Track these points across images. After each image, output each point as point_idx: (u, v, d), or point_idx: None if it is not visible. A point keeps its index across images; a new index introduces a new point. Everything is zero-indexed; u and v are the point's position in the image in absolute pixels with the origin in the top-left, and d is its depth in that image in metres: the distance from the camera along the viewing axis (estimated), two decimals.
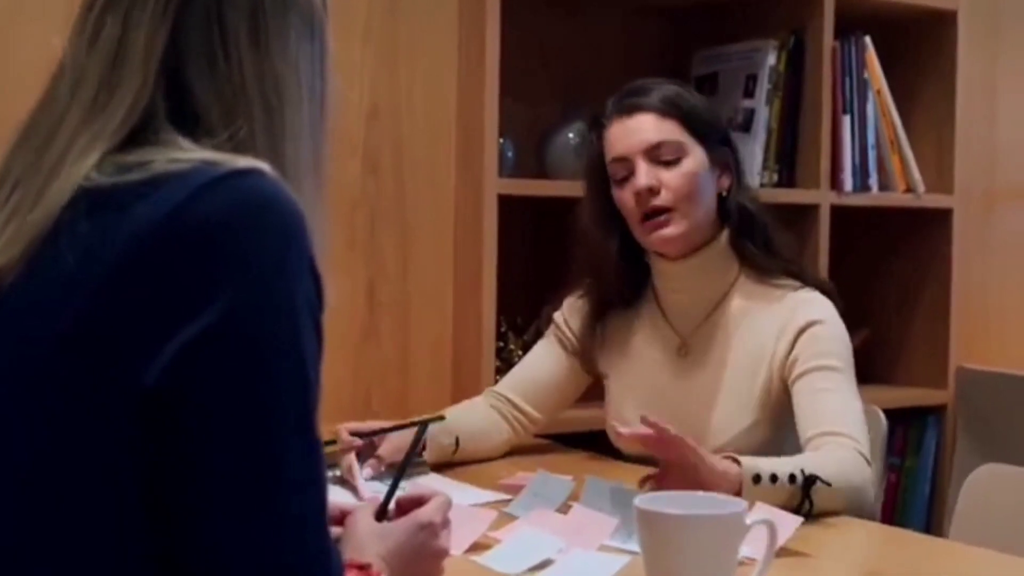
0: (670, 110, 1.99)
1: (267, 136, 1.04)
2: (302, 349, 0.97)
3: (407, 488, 1.39)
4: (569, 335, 2.15)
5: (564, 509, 1.68)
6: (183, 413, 0.93)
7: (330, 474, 1.84)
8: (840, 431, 1.84)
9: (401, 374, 2.59)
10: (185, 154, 1.00)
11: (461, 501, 1.72)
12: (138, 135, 1.01)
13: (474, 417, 2.11)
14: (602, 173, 2.04)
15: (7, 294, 0.98)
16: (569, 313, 2.16)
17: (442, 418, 1.64)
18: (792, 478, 1.70)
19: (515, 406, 2.14)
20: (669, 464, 1.69)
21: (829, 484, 1.71)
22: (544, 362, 2.18)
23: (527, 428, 2.16)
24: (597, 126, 2.05)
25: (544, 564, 1.46)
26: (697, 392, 2.03)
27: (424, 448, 1.96)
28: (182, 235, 0.94)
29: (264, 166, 0.99)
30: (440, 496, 1.28)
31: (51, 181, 0.99)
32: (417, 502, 1.28)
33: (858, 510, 1.78)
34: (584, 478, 1.72)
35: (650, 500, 1.28)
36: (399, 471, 1.37)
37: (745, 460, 1.70)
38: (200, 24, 1.03)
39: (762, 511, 1.43)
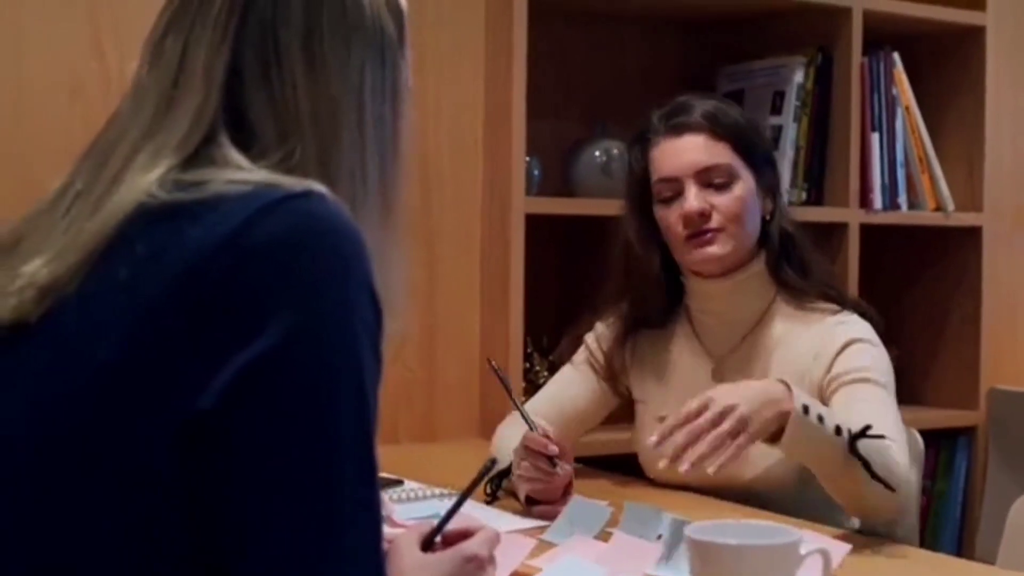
0: (721, 132, 1.95)
1: (320, 160, 1.02)
2: (361, 374, 0.94)
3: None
4: (600, 358, 2.11)
5: (603, 536, 1.64)
6: (236, 435, 0.91)
7: None
8: (883, 434, 1.76)
9: (427, 396, 2.56)
10: (243, 175, 0.98)
11: (495, 527, 1.69)
12: (200, 153, 1.00)
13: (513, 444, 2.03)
14: (645, 189, 2.00)
15: (60, 308, 0.96)
16: (602, 337, 2.12)
17: (494, 462, 1.59)
18: (838, 430, 1.65)
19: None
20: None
21: (881, 436, 1.65)
22: (573, 388, 2.12)
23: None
24: (642, 141, 2.01)
25: None
26: None
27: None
28: (239, 258, 0.93)
29: (323, 189, 0.98)
30: (488, 530, 1.24)
31: (111, 192, 0.98)
32: (463, 535, 1.25)
33: (896, 514, 1.73)
34: (619, 503, 1.68)
35: (702, 530, 1.24)
36: (455, 504, 1.32)
37: (797, 391, 1.66)
38: (256, 43, 1.03)
39: (816, 540, 1.38)
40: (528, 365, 2.60)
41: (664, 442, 1.65)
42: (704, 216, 1.93)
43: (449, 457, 2.36)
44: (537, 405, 2.11)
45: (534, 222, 2.49)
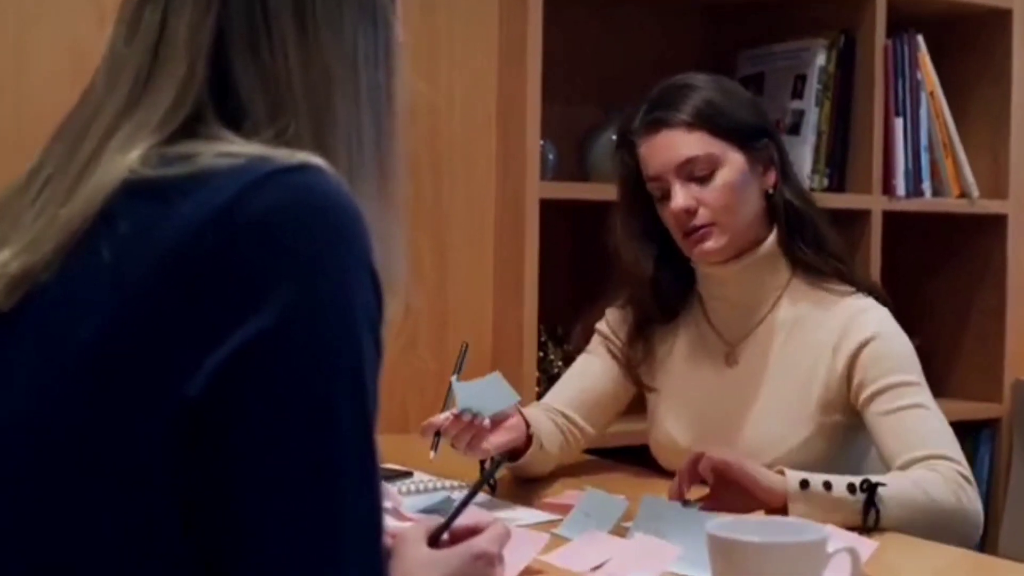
0: (696, 120, 1.87)
1: (316, 132, 0.96)
2: (360, 358, 0.89)
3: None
4: (617, 343, 2.05)
5: (618, 531, 1.58)
6: (229, 426, 0.85)
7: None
8: (934, 452, 1.73)
9: (439, 385, 2.49)
10: (234, 147, 0.92)
11: (507, 521, 1.64)
12: (185, 130, 0.94)
13: (544, 428, 1.96)
14: (639, 187, 1.95)
15: (39, 293, 0.90)
16: (614, 322, 2.07)
17: (503, 459, 1.55)
18: (852, 488, 1.60)
19: (569, 420, 2.03)
20: (719, 485, 1.61)
21: (888, 505, 1.61)
22: (594, 373, 2.07)
23: (580, 444, 2.06)
24: (626, 142, 1.96)
25: None
26: (746, 404, 1.92)
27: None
28: (230, 234, 0.87)
29: (320, 162, 0.92)
30: (497, 525, 1.19)
31: (86, 175, 0.92)
32: (472, 531, 1.19)
33: (954, 536, 1.67)
34: (636, 496, 1.63)
35: (724, 526, 1.18)
36: (465, 500, 1.27)
37: (791, 471, 1.61)
38: (243, 10, 0.96)
39: (840, 536, 1.32)
40: (542, 354, 2.55)
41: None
42: (691, 213, 1.87)
43: None
44: (557, 394, 2.06)
45: (548, 207, 2.44)
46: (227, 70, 0.95)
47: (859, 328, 1.85)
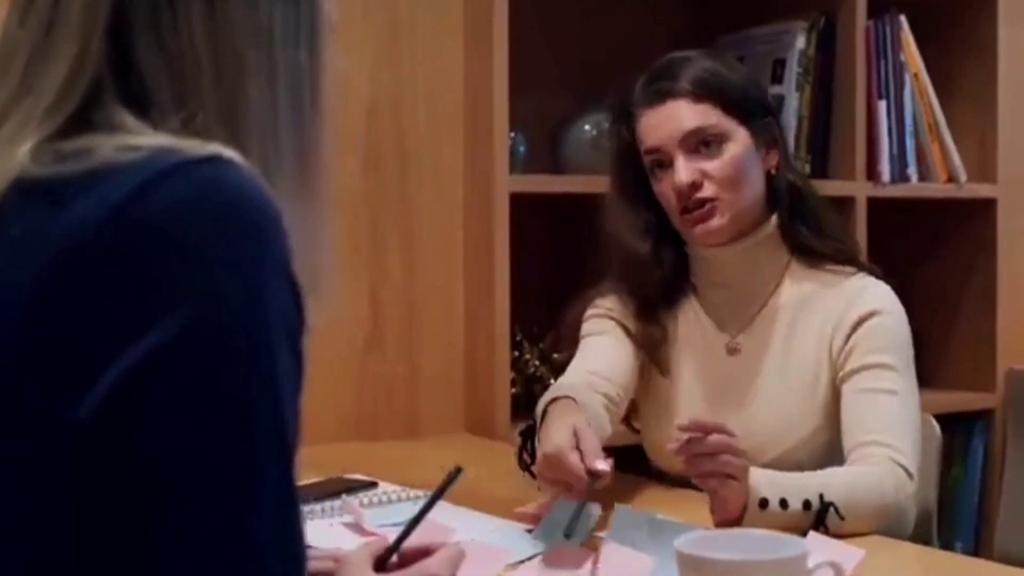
0: (704, 92, 1.81)
1: (225, 121, 0.87)
2: (275, 376, 0.80)
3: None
4: (624, 319, 1.91)
5: (592, 542, 1.49)
6: (126, 457, 0.77)
7: (339, 521, 1.66)
8: (882, 440, 1.69)
9: (409, 389, 2.42)
10: (136, 139, 0.83)
11: (472, 532, 1.55)
12: (83, 117, 0.85)
13: (593, 400, 1.78)
14: (634, 164, 1.87)
15: None
16: (613, 304, 1.92)
17: (459, 470, 1.40)
18: (807, 504, 1.55)
19: (604, 394, 1.83)
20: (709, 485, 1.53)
21: (843, 519, 1.55)
22: (609, 345, 1.90)
23: (616, 418, 1.87)
24: (625, 115, 1.88)
25: None
26: (751, 396, 1.85)
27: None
28: (127, 234, 0.78)
29: (231, 154, 0.82)
30: (450, 547, 1.10)
31: None
32: (423, 552, 1.10)
33: (890, 531, 1.62)
34: (611, 503, 1.54)
35: (694, 542, 1.09)
36: (415, 518, 1.18)
37: (756, 478, 1.53)
38: None
39: (824, 548, 1.23)
40: (517, 354, 2.47)
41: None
42: (696, 187, 1.80)
43: (432, 455, 2.22)
44: (581, 371, 1.86)
45: (521, 202, 2.36)
46: (129, 49, 0.86)
47: (862, 303, 1.81)
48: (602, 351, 1.90)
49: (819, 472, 1.65)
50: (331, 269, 0.92)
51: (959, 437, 2.86)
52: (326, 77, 0.94)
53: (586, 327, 1.95)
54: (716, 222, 1.81)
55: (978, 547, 2.84)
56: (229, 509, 0.78)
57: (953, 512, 2.87)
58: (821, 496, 1.55)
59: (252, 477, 0.78)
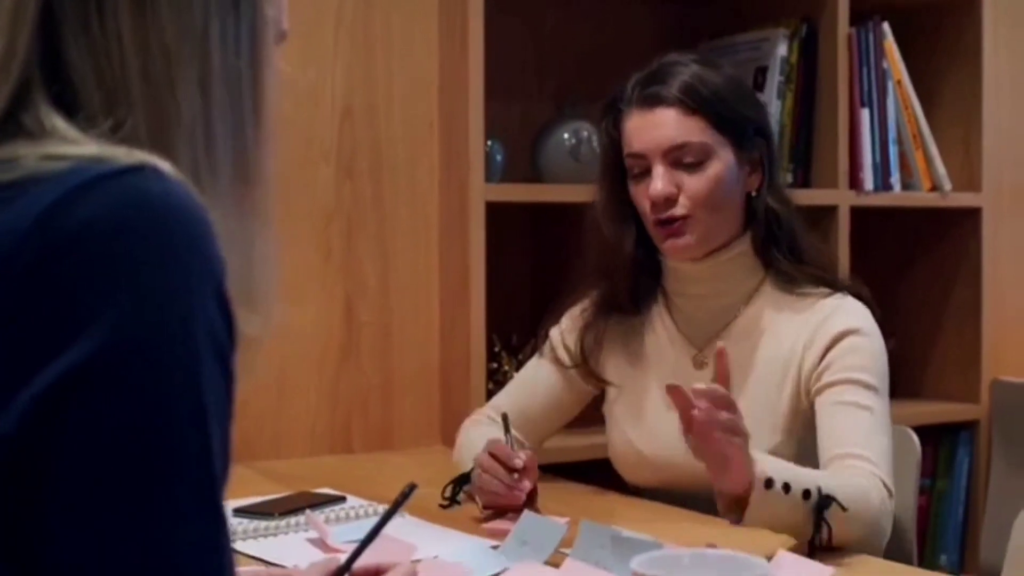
0: (696, 105, 1.78)
1: (154, 128, 0.83)
2: (200, 390, 0.76)
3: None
4: (564, 353, 1.95)
5: (556, 559, 1.46)
6: (42, 476, 0.73)
7: (304, 536, 1.63)
8: (863, 454, 1.66)
9: (384, 400, 2.38)
10: (64, 148, 0.79)
11: (437, 549, 1.52)
12: (10, 122, 0.81)
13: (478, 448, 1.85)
14: (617, 162, 1.85)
15: None
16: (568, 328, 1.96)
17: (413, 487, 1.40)
18: (807, 494, 1.52)
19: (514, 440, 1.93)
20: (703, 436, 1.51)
21: (845, 509, 1.53)
22: (537, 387, 1.98)
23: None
24: (614, 111, 1.85)
25: None
26: None
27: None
28: (48, 247, 0.74)
29: (160, 163, 0.79)
30: (402, 566, 1.06)
31: None
32: (375, 572, 1.07)
33: (869, 546, 1.60)
34: (578, 517, 1.51)
35: (653, 562, 1.05)
36: (369, 535, 1.14)
37: (761, 460, 1.52)
38: None
39: (792, 567, 1.20)
40: (496, 365, 2.44)
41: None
42: (670, 201, 1.78)
43: (407, 467, 2.20)
44: (497, 405, 1.96)
45: (499, 211, 2.33)
46: (59, 49, 0.82)
47: (838, 321, 1.77)
48: (524, 386, 1.99)
49: (814, 471, 1.62)
50: (270, 283, 0.89)
51: (944, 449, 2.83)
52: (269, 86, 0.91)
53: (529, 365, 2.01)
54: (685, 240, 1.78)
55: (963, 560, 2.81)
56: (149, 532, 0.74)
57: (938, 525, 2.84)
58: (819, 489, 1.53)
59: (173, 500, 0.75)
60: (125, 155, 0.79)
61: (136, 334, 0.74)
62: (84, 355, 0.73)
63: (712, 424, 1.49)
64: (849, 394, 1.72)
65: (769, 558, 1.36)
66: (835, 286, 1.83)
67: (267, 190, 0.90)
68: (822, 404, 1.73)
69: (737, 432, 1.51)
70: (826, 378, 1.74)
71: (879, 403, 1.72)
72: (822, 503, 1.52)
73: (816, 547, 1.53)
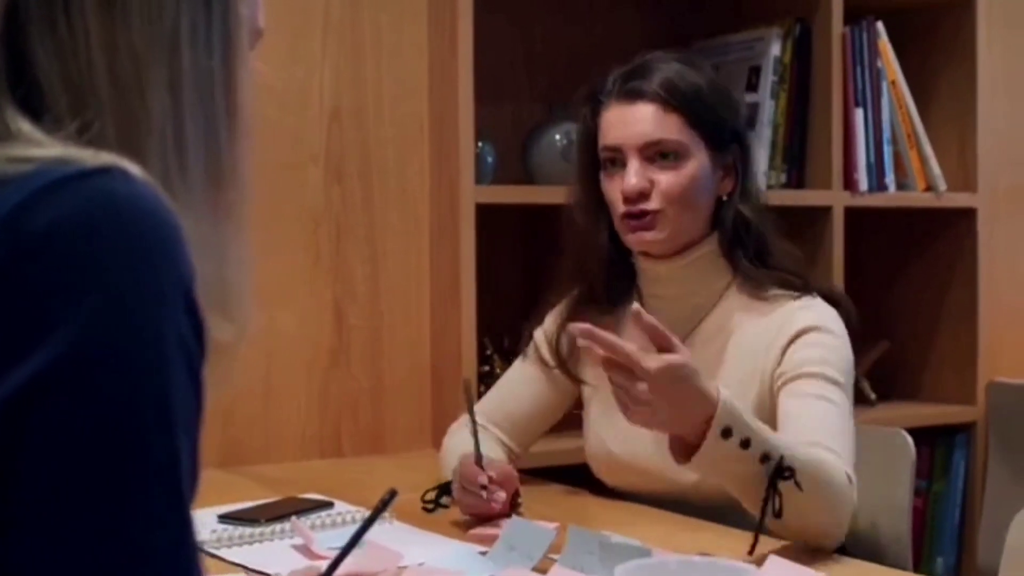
0: (676, 103, 1.76)
1: (123, 129, 0.80)
2: (169, 402, 0.74)
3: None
4: (548, 353, 1.94)
5: (544, 565, 1.44)
6: (9, 481, 0.71)
7: (289, 543, 1.61)
8: (825, 444, 1.61)
9: (374, 405, 2.36)
10: (28, 151, 0.77)
11: (424, 556, 1.50)
12: None
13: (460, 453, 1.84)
14: (593, 154, 1.83)
15: None
16: (550, 328, 1.95)
17: (394, 494, 1.38)
18: (765, 458, 1.48)
19: (497, 439, 1.93)
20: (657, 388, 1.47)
21: (801, 490, 1.50)
22: (522, 389, 1.97)
23: (514, 454, 1.95)
24: (593, 102, 1.84)
25: None
26: None
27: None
28: (9, 251, 0.72)
29: (127, 165, 0.77)
30: (387, 573, 1.04)
31: None
32: None
33: (825, 536, 1.57)
34: (566, 521, 1.50)
35: (634, 570, 1.03)
36: (350, 542, 1.12)
37: (726, 402, 1.48)
38: None
39: (780, 571, 1.18)
40: (488, 368, 2.42)
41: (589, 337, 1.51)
42: (643, 195, 1.76)
43: (397, 471, 2.18)
44: (483, 408, 1.94)
45: (490, 213, 2.31)
46: (25, 50, 0.80)
47: (797, 320, 1.75)
48: (509, 389, 1.98)
49: (782, 437, 1.57)
50: (245, 289, 0.87)
51: (940, 451, 2.82)
52: (243, 86, 0.88)
53: (514, 366, 2.00)
54: (653, 234, 1.77)
55: (960, 563, 2.80)
56: (115, 539, 0.72)
57: (935, 527, 2.82)
58: (781, 458, 1.49)
59: (140, 507, 0.73)
60: (91, 157, 0.77)
61: (103, 338, 0.72)
62: (50, 359, 0.71)
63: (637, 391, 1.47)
64: (809, 386, 1.68)
65: (759, 564, 1.34)
66: (804, 289, 1.80)
67: (242, 193, 0.88)
68: (783, 397, 1.70)
69: (677, 378, 1.46)
70: (788, 372, 1.71)
71: (841, 396, 1.68)
72: (779, 472, 1.49)
73: (762, 521, 1.50)
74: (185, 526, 0.75)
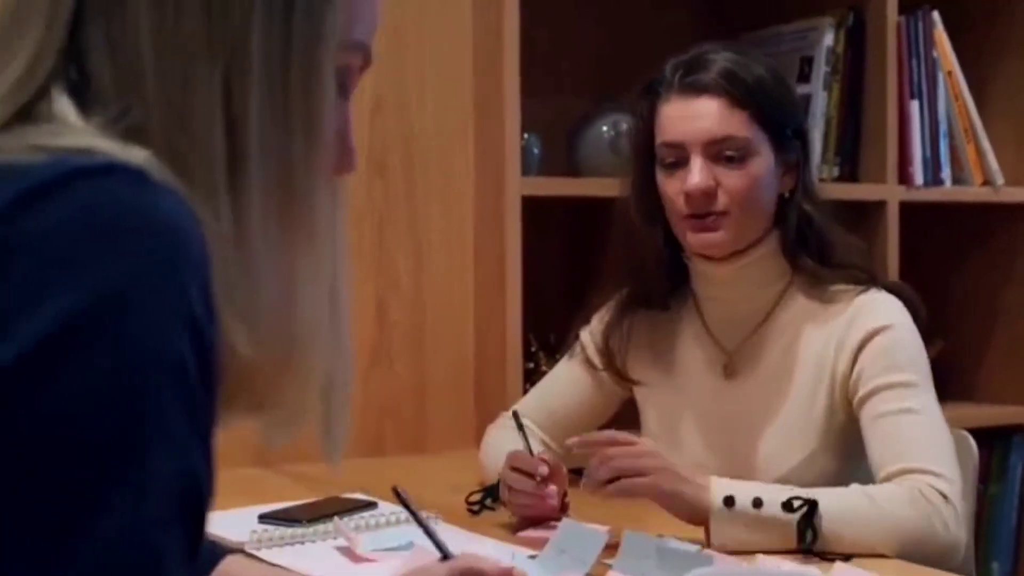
0: (742, 98, 1.69)
1: (166, 123, 0.76)
2: (142, 428, 0.67)
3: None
4: (594, 354, 1.89)
5: (598, 571, 1.39)
6: None
7: (333, 545, 1.58)
8: (918, 467, 1.57)
9: (417, 403, 2.33)
10: (54, 139, 0.73)
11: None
12: (30, 109, 0.75)
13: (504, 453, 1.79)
14: (648, 150, 1.76)
15: None
16: (596, 330, 1.90)
17: (396, 491, 1.41)
18: (788, 505, 1.46)
19: (539, 439, 1.88)
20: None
21: (818, 516, 1.48)
22: (565, 389, 1.92)
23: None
24: (651, 94, 1.76)
25: None
26: (747, 418, 1.76)
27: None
28: (3, 245, 0.68)
29: (142, 163, 0.71)
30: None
31: None
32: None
33: (922, 557, 1.51)
34: (618, 524, 1.48)
35: None
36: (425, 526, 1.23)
37: (717, 479, 1.49)
38: None
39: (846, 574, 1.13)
40: (532, 365, 2.38)
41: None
42: (708, 195, 1.69)
43: (441, 471, 2.14)
44: (526, 406, 1.90)
45: (537, 206, 2.27)
46: (81, 39, 0.77)
47: (867, 317, 1.70)
48: (553, 388, 1.95)
49: (824, 488, 1.55)
50: (311, 320, 0.81)
51: (997, 453, 2.76)
52: (326, 101, 0.81)
53: (559, 366, 1.97)
54: (718, 236, 1.70)
55: (1016, 567, 2.74)
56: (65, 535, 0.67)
57: (991, 531, 2.76)
58: (808, 502, 1.47)
59: (94, 517, 0.67)
60: (119, 150, 0.72)
61: (77, 344, 0.67)
62: (21, 350, 0.66)
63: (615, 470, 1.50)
64: (890, 401, 1.64)
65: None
66: (867, 283, 1.75)
67: (320, 220, 0.81)
68: (865, 420, 1.66)
69: (648, 470, 1.50)
70: (863, 389, 1.67)
71: (923, 399, 1.64)
72: (810, 510, 1.47)
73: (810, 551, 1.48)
74: (144, 515, 0.68)
